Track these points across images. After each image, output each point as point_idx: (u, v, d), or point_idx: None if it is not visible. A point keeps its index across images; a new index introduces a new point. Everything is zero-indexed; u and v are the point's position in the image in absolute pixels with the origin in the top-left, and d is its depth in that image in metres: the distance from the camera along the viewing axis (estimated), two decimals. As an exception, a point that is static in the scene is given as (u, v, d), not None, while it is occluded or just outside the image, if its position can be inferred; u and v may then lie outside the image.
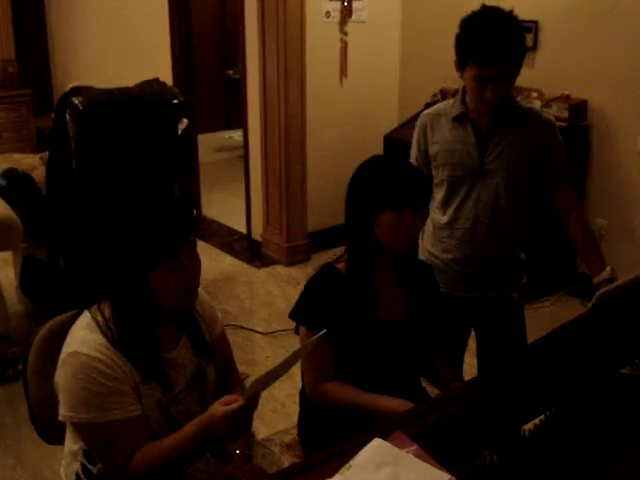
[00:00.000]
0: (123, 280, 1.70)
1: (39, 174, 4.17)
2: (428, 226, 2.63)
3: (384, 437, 1.59)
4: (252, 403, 1.59)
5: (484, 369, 2.69)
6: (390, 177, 2.03)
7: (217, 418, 1.58)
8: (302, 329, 2.10)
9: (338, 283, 2.08)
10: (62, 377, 1.68)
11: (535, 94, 4.35)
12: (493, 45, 2.24)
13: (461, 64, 2.35)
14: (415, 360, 2.20)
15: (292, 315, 2.12)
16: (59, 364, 1.70)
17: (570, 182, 2.55)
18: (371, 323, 2.06)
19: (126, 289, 1.71)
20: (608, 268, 2.41)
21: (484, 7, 2.34)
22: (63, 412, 1.67)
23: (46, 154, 4.11)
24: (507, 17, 2.30)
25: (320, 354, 2.01)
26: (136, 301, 1.70)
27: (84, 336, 1.68)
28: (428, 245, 2.62)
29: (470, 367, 2.87)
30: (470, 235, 2.51)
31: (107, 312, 1.73)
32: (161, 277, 1.67)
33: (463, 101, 2.46)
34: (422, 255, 2.64)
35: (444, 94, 4.80)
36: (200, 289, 1.89)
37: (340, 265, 2.12)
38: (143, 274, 1.66)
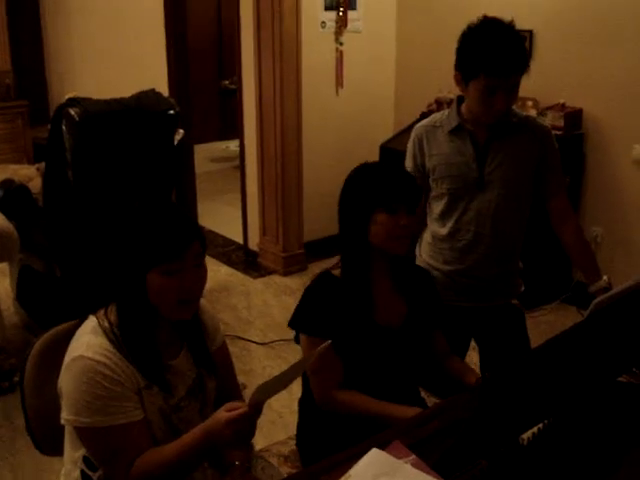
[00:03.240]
0: (124, 281, 1.70)
1: (35, 185, 4.18)
2: (426, 238, 2.63)
3: (382, 447, 1.58)
4: (256, 410, 1.59)
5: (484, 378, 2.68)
6: (383, 179, 2.05)
7: (221, 425, 1.58)
8: (303, 337, 2.10)
9: (336, 289, 2.08)
10: (66, 381, 1.67)
11: (530, 103, 4.36)
12: (506, 56, 2.24)
13: (467, 77, 2.33)
14: (413, 367, 2.20)
15: (291, 324, 2.12)
16: (63, 368, 1.69)
17: (565, 190, 2.56)
18: (370, 327, 2.07)
19: (127, 291, 1.70)
20: (605, 277, 2.41)
21: (485, 18, 2.33)
22: (66, 416, 1.67)
23: (42, 165, 4.11)
24: (510, 28, 2.30)
25: (328, 361, 2.01)
26: (138, 303, 1.70)
27: (89, 340, 1.68)
28: (426, 257, 2.62)
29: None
30: (471, 246, 2.50)
31: (113, 317, 1.73)
32: (158, 280, 1.66)
33: (459, 112, 2.46)
34: (419, 267, 2.64)
35: (439, 104, 4.82)
36: (203, 300, 1.88)
37: (337, 272, 2.12)
38: (142, 274, 1.66)
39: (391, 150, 4.88)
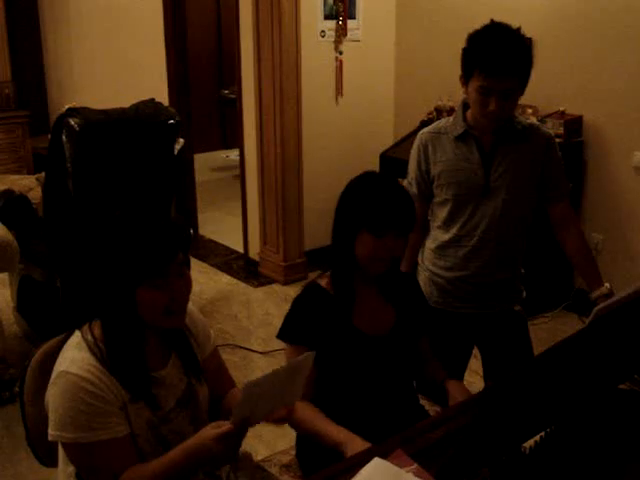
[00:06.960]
0: (112, 297, 1.69)
1: (35, 195, 4.18)
2: (428, 245, 2.62)
3: (384, 456, 1.58)
4: (242, 427, 1.57)
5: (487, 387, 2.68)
6: (375, 200, 1.99)
7: (209, 441, 1.57)
8: (287, 346, 2.08)
9: (323, 300, 2.07)
10: (51, 397, 1.67)
11: (530, 110, 4.37)
12: (500, 56, 2.24)
13: (466, 75, 2.34)
14: (405, 373, 2.18)
15: (279, 335, 2.10)
16: (49, 383, 1.69)
17: (568, 197, 2.56)
18: (356, 337, 2.06)
19: (115, 306, 1.69)
20: (607, 284, 2.41)
21: (492, 22, 2.34)
22: (51, 431, 1.66)
23: (42, 175, 4.12)
24: (515, 33, 2.30)
25: None
26: (125, 319, 1.69)
27: (73, 355, 1.68)
28: (429, 264, 2.61)
29: (469, 384, 2.85)
30: (475, 252, 2.50)
31: (97, 331, 1.72)
32: (148, 294, 1.65)
33: (464, 119, 2.46)
34: (422, 274, 2.63)
35: (439, 112, 4.83)
36: (195, 309, 1.87)
37: (324, 282, 2.12)
38: (131, 290, 1.65)
39: (391, 158, 4.88)
